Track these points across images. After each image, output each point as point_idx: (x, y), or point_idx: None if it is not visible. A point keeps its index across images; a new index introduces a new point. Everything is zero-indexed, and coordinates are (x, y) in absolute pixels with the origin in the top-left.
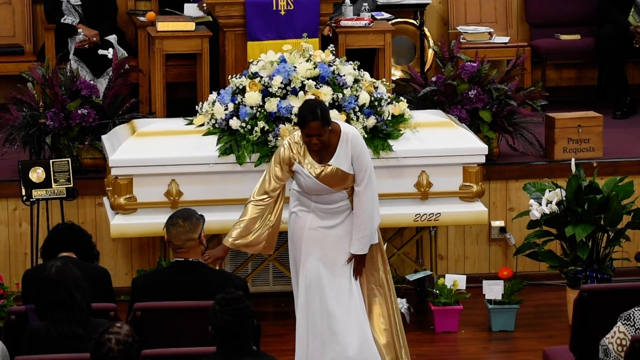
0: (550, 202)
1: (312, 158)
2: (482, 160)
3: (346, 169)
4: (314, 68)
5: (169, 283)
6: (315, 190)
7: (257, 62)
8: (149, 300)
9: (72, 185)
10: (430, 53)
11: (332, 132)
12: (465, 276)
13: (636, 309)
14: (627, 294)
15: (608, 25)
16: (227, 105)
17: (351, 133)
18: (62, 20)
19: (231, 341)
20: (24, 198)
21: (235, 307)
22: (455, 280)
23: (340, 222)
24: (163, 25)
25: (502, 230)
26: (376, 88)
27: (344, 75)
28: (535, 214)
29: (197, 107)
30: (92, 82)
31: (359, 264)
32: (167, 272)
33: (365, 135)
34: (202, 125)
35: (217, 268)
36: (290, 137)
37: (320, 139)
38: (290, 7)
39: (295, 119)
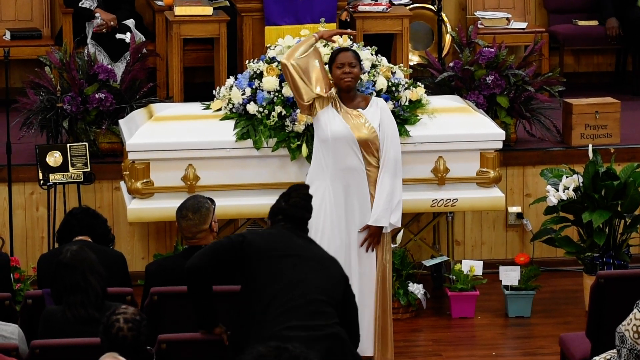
0: (567, 188)
1: (347, 104)
2: (499, 146)
3: (376, 126)
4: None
5: (183, 269)
6: (340, 136)
7: (275, 46)
8: (163, 286)
9: (89, 170)
10: (447, 38)
11: (361, 99)
12: (481, 262)
13: None
14: None
15: (637, 9)
16: (244, 90)
17: (382, 101)
18: (79, 5)
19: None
20: (41, 182)
21: (303, 192)
22: (472, 266)
23: (357, 208)
24: (181, 10)
25: (519, 216)
26: (394, 73)
27: (361, 61)
28: (552, 200)
29: (214, 91)
30: (109, 67)
31: (373, 235)
32: (180, 258)
33: None
34: (220, 109)
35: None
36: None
37: (353, 70)
38: None
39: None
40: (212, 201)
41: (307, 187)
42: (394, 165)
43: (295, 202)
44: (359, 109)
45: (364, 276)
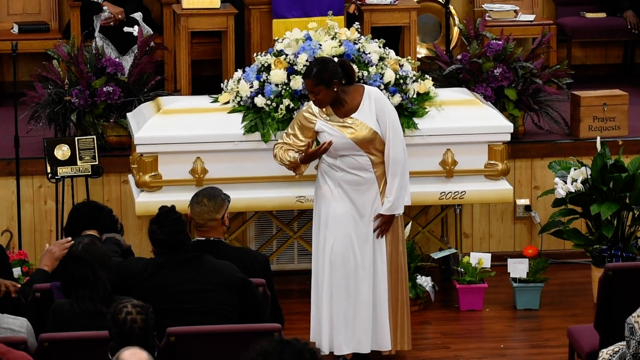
0: (576, 181)
1: (337, 114)
2: (508, 138)
3: (372, 125)
4: (339, 46)
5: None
6: (341, 148)
7: (283, 39)
8: None
9: (97, 163)
10: (455, 31)
11: (355, 92)
12: (490, 254)
13: None
14: None
15: None
16: (252, 83)
17: (374, 91)
18: None
19: (176, 250)
20: (49, 175)
21: (173, 217)
22: (480, 259)
23: (368, 201)
24: (188, 3)
25: (527, 208)
26: (401, 66)
27: (369, 53)
28: (561, 192)
29: (222, 84)
30: (117, 60)
31: (385, 223)
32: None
33: None
34: (227, 102)
35: None
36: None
37: (317, 97)
38: None
39: None
40: (228, 197)
41: (174, 209)
42: (402, 152)
43: (170, 231)
44: (352, 116)
45: (377, 274)
